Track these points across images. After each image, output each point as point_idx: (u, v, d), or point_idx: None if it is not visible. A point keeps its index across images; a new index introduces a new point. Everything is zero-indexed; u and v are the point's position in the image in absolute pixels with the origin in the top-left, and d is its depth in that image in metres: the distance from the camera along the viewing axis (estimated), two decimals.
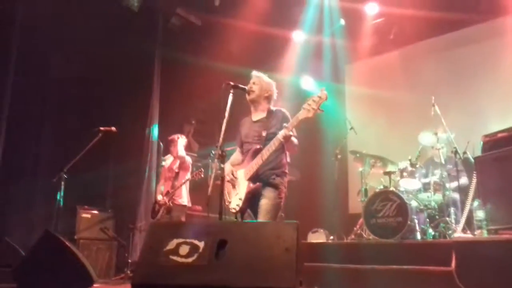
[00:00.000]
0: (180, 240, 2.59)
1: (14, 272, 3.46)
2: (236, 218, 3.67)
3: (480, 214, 4.18)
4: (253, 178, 3.60)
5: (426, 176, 5.91)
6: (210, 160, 6.26)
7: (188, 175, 5.98)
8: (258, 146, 3.66)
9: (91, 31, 6.65)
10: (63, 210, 4.99)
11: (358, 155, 6.46)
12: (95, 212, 6.64)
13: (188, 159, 6.12)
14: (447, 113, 5.76)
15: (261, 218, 3.52)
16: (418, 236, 5.35)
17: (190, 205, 6.07)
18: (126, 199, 7.17)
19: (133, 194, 7.27)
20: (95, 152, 5.21)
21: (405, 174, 5.83)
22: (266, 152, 3.53)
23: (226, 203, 3.69)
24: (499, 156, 4.10)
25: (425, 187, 5.77)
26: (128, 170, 7.28)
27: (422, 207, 5.59)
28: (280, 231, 2.49)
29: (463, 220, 4.89)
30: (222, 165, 3.52)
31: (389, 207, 5.35)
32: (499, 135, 4.30)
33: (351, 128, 6.83)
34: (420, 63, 7.64)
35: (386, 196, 5.45)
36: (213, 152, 6.08)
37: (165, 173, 6.21)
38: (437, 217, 5.54)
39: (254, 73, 3.95)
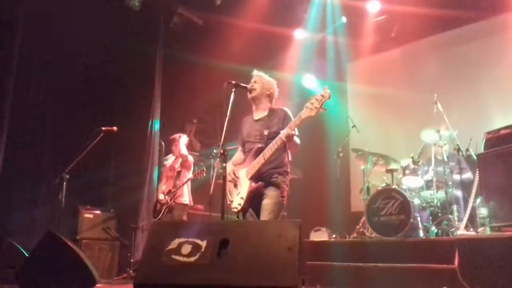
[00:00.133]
0: (182, 239, 2.58)
1: (17, 273, 3.47)
2: (237, 217, 3.66)
3: (483, 211, 4.17)
4: (255, 177, 3.59)
5: (428, 173, 5.89)
6: (212, 160, 6.25)
7: (190, 174, 5.98)
8: (260, 145, 3.65)
9: (92, 30, 6.65)
10: (65, 211, 4.99)
11: (360, 153, 6.45)
12: (97, 212, 6.64)
13: (190, 158, 6.11)
14: (450, 110, 5.75)
15: (264, 217, 3.51)
16: (421, 233, 5.34)
17: (191, 204, 6.07)
18: (128, 199, 7.17)
19: (135, 194, 7.28)
20: (97, 152, 5.23)
21: (407, 171, 5.82)
22: (268, 151, 3.52)
23: (228, 203, 3.68)
24: (502, 153, 4.09)
25: (428, 185, 5.75)
26: (130, 170, 7.30)
27: (424, 204, 5.58)
28: (282, 229, 2.48)
29: (466, 218, 4.87)
30: (224, 164, 3.51)
31: (391, 205, 5.35)
32: (502, 132, 4.29)
33: (353, 126, 6.81)
34: (422, 60, 7.61)
35: (389, 194, 5.45)
36: (214, 151, 6.09)
37: (167, 172, 6.21)
38: (439, 214, 5.51)
39: (255, 72, 3.95)
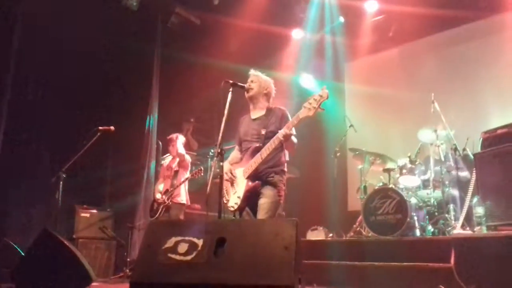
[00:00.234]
0: (179, 238, 2.58)
1: (13, 272, 3.45)
2: (234, 216, 3.66)
3: (479, 211, 4.19)
4: (252, 177, 3.60)
5: (425, 173, 5.90)
6: (209, 159, 6.25)
7: (188, 174, 5.98)
8: (257, 145, 3.65)
9: (90, 29, 6.64)
10: (62, 210, 4.98)
11: (357, 152, 6.46)
12: (94, 211, 6.64)
13: (188, 158, 6.11)
14: (447, 110, 5.75)
15: (260, 216, 3.51)
16: (418, 233, 5.35)
17: (188, 203, 6.07)
18: (125, 198, 7.17)
19: (132, 194, 7.27)
20: (94, 151, 5.21)
21: (404, 171, 5.83)
22: (265, 151, 3.52)
23: (225, 202, 3.67)
24: (498, 152, 4.09)
25: (425, 184, 5.77)
26: (127, 169, 7.28)
27: (421, 204, 5.59)
28: (279, 228, 2.48)
29: (462, 217, 4.87)
30: (221, 163, 3.51)
31: (388, 204, 5.36)
32: (499, 131, 4.29)
33: (351, 125, 6.82)
34: (419, 60, 7.63)
35: (386, 193, 5.46)
36: (212, 151, 6.08)
37: (164, 172, 6.20)
38: (436, 214, 5.53)
39: (252, 71, 3.94)
